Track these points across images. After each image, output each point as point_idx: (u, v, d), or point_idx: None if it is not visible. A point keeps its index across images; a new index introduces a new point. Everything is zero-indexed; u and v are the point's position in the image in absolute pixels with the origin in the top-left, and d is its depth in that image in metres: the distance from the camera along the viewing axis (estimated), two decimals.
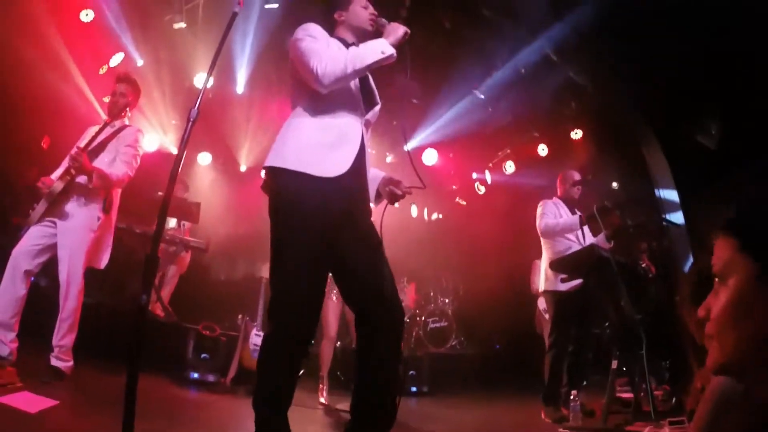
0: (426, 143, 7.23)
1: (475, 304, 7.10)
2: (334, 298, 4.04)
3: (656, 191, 5.89)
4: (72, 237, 3.10)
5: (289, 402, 1.89)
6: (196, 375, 4.08)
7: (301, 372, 2.03)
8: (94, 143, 3.23)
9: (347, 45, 2.13)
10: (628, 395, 4.01)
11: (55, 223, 3.12)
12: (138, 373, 1.60)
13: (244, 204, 6.82)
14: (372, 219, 2.12)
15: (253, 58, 5.97)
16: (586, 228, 4.03)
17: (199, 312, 5.17)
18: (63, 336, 3.06)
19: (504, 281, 6.72)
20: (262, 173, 2.08)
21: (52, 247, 3.09)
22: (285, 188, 1.96)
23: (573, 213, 4.12)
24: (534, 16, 5.21)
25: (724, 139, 5.00)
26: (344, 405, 3.57)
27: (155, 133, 6.26)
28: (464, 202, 8.39)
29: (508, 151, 7.79)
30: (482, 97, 6.47)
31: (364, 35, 2.16)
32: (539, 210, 4.12)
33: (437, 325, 6.34)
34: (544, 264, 4.11)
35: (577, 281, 3.75)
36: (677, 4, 4.26)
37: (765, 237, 0.77)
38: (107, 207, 3.25)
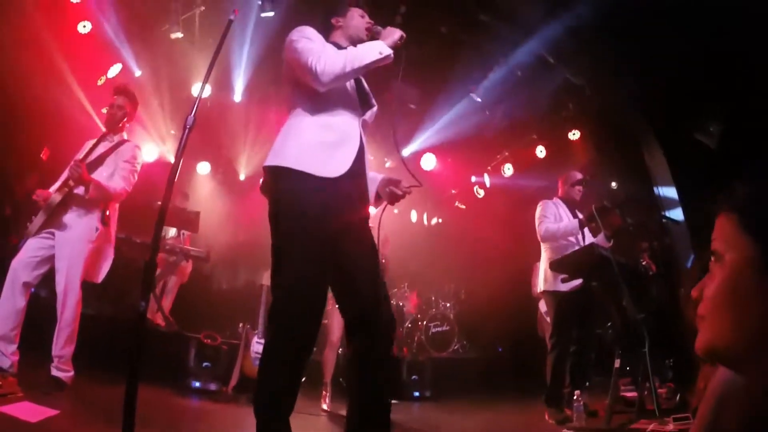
0: (424, 148, 7.25)
1: (476, 308, 7.09)
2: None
3: (655, 189, 5.88)
4: (70, 248, 3.09)
5: (291, 408, 1.86)
6: (197, 384, 4.07)
7: (303, 379, 2.01)
8: (93, 156, 3.24)
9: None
10: (632, 395, 3.98)
11: (53, 234, 3.12)
12: (138, 380, 1.59)
13: (244, 212, 6.84)
14: (370, 221, 2.12)
15: (251, 67, 5.99)
16: (586, 228, 4.02)
17: (201, 321, 5.18)
18: (62, 346, 3.05)
19: (505, 284, 6.69)
20: (260, 181, 2.08)
21: (51, 259, 3.09)
22: (285, 190, 1.95)
23: (573, 213, 4.10)
24: (530, 18, 5.22)
25: (724, 139, 5.00)
26: None
27: (154, 144, 6.27)
28: (463, 206, 8.38)
29: (507, 153, 7.80)
30: (479, 100, 6.47)
31: (359, 42, 2.17)
32: (538, 211, 4.10)
33: (439, 329, 6.32)
34: (543, 264, 4.09)
35: (578, 281, 3.73)
36: (677, 4, 4.26)
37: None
38: (105, 219, 3.25)
